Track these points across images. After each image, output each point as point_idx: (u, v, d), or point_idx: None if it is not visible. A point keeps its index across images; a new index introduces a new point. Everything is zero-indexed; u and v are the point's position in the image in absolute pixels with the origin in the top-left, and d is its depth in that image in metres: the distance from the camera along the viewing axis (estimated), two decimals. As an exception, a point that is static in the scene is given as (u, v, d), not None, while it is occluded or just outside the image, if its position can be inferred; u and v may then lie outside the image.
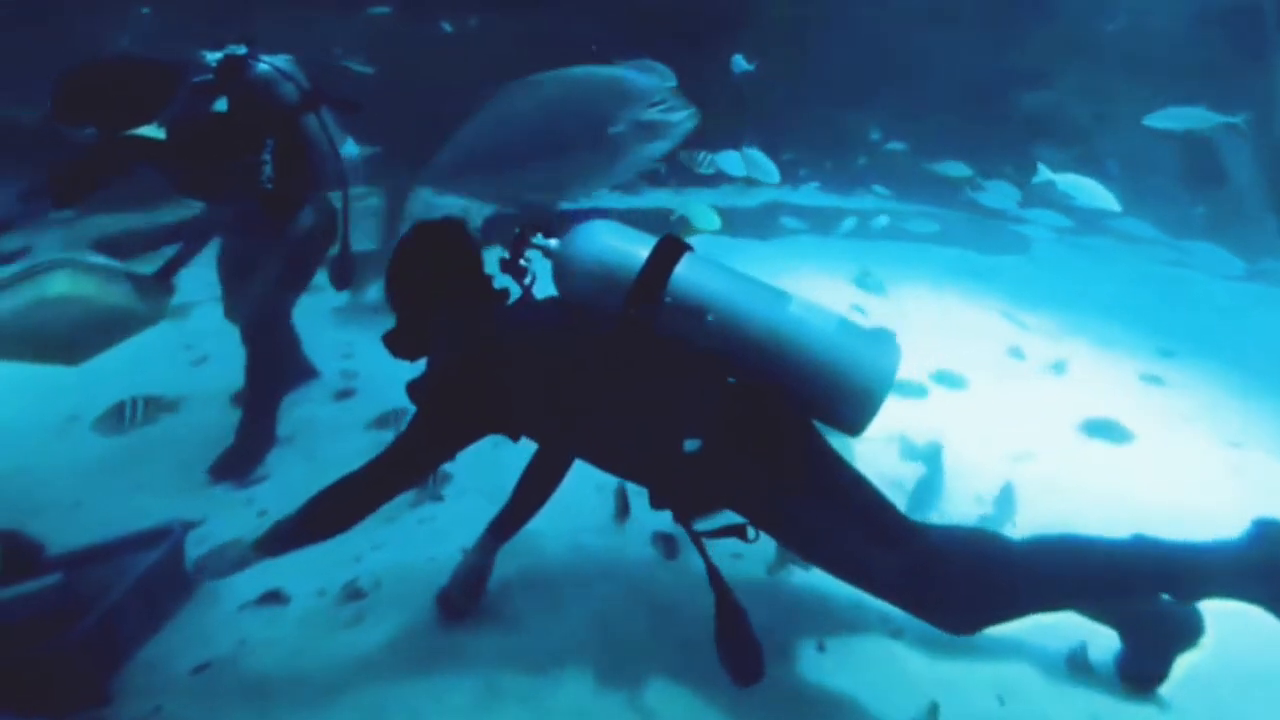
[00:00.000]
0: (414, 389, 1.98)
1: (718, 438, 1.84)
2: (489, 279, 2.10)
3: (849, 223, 7.00)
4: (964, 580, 1.84)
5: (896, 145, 8.15)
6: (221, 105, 2.68)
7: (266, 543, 1.94)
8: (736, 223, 6.85)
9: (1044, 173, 4.81)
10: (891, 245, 7.38)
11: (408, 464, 2.00)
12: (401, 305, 2.08)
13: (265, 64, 2.83)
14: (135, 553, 2.13)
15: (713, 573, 1.86)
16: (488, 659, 2.08)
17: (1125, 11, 8.27)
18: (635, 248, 1.92)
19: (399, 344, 2.07)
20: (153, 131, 2.54)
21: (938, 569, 1.83)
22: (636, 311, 1.87)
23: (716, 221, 4.87)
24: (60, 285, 2.42)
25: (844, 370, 1.83)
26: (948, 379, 4.14)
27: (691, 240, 1.98)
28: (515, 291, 2.11)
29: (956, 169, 6.19)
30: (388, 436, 2.17)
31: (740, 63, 6.19)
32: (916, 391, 3.95)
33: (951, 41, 8.38)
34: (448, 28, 7.54)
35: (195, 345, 4.10)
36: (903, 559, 1.83)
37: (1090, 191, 4.59)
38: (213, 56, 2.75)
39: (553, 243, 1.99)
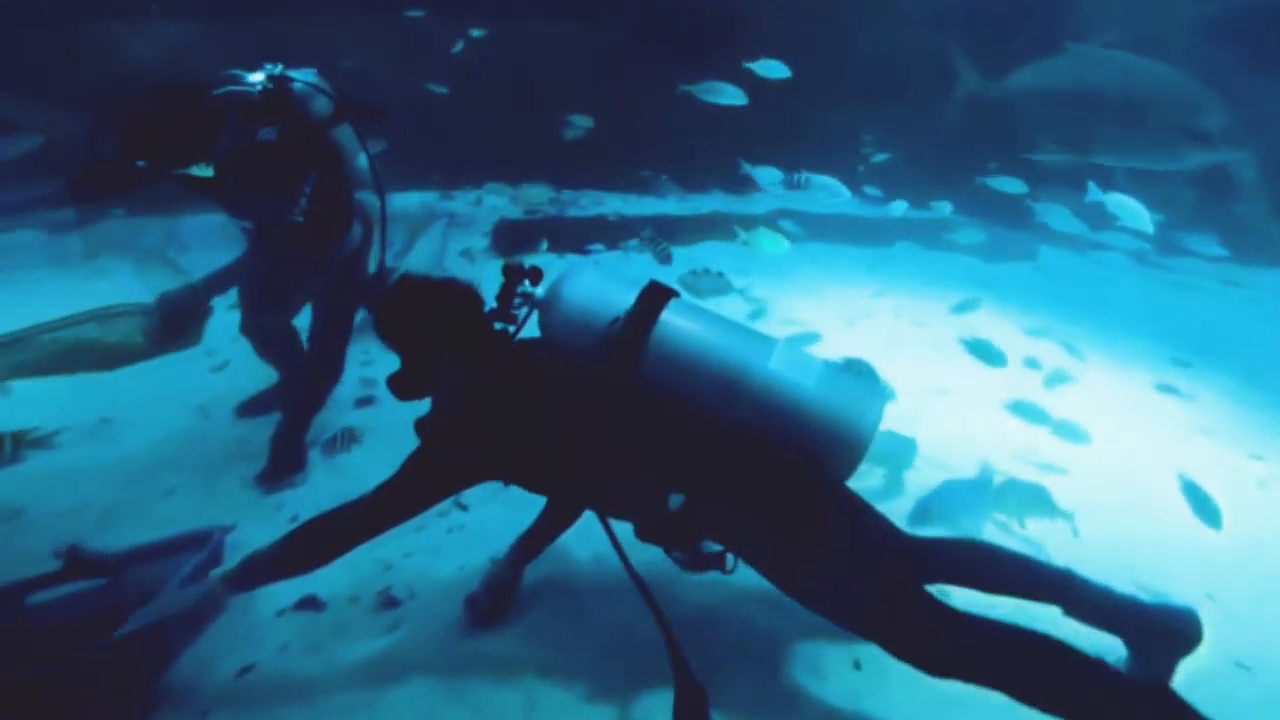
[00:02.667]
0: (421, 426, 1.98)
1: (702, 491, 1.84)
2: (488, 323, 2.06)
3: (898, 207, 6.86)
4: (940, 636, 1.76)
5: (881, 157, 8.19)
6: (268, 134, 2.65)
7: (238, 577, 1.86)
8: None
9: (1094, 192, 4.77)
10: (897, 252, 7.42)
11: (400, 503, 1.93)
12: (400, 351, 2.05)
13: (299, 82, 2.78)
14: (175, 556, 2.12)
15: (673, 650, 1.77)
16: (524, 672, 2.08)
17: (1120, 22, 8.31)
18: (621, 293, 1.93)
19: (403, 386, 2.04)
20: (201, 170, 2.54)
21: (920, 618, 1.76)
22: (621, 358, 1.87)
23: (785, 245, 4.97)
24: (116, 331, 2.70)
25: (827, 418, 1.84)
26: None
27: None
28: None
29: (1012, 185, 6.07)
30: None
31: (777, 68, 5.58)
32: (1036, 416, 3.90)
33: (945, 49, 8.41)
34: (458, 48, 7.53)
35: (216, 351, 4.09)
36: (884, 601, 1.77)
37: (1132, 211, 4.60)
38: (251, 77, 2.69)
39: (538, 291, 2.01)
